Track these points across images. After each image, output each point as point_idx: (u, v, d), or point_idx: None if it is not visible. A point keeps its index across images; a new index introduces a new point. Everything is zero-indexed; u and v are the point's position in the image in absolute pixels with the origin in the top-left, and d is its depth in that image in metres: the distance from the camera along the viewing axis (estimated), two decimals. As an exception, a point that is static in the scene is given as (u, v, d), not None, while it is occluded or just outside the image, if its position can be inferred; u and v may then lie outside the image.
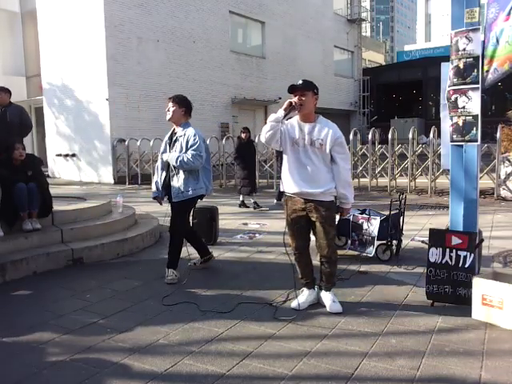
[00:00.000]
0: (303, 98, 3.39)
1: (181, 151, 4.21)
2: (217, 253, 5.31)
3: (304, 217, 3.50)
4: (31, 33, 17.75)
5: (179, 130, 4.35)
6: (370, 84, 27.63)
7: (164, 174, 4.39)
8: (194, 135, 4.24)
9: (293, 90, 3.44)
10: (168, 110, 4.31)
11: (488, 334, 3.06)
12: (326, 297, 3.59)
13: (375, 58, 38.35)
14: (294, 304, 3.58)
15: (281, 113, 3.38)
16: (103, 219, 5.78)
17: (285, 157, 3.54)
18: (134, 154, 14.18)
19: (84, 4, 14.81)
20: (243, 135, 8.71)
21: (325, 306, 3.54)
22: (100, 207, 5.99)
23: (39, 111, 17.66)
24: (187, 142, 4.22)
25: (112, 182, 14.70)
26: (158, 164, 4.49)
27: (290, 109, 3.38)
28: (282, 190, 3.64)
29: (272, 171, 12.41)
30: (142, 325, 3.30)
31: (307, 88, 3.43)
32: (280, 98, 20.77)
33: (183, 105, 4.36)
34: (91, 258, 5.02)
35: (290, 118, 3.49)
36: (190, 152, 4.15)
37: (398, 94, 30.97)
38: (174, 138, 4.34)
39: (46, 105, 16.55)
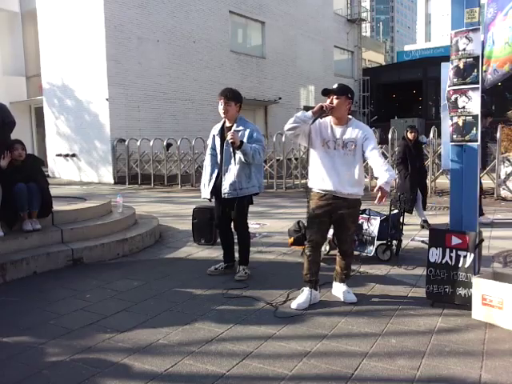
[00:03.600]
0: (336, 102, 3.42)
1: None
2: (217, 253, 5.31)
3: (328, 212, 3.54)
4: (31, 33, 17.77)
5: (235, 126, 4.22)
6: (370, 84, 27.63)
7: (216, 171, 4.30)
8: (258, 130, 4.22)
9: (327, 93, 3.47)
10: (223, 107, 4.18)
11: (488, 333, 3.06)
12: (341, 288, 3.68)
13: (375, 58, 38.32)
14: (294, 304, 3.57)
15: (309, 114, 3.41)
16: (103, 219, 5.78)
17: (314, 154, 3.59)
18: (134, 154, 14.18)
19: (84, 4, 14.82)
20: (410, 135, 6.73)
21: (324, 306, 3.55)
22: (100, 207, 5.99)
23: (39, 111, 17.68)
24: (251, 135, 4.14)
25: (112, 182, 14.71)
26: (207, 162, 4.40)
27: (321, 112, 3.41)
28: (309, 185, 3.66)
29: (272, 171, 12.42)
30: (142, 325, 3.30)
31: (341, 92, 3.46)
32: (280, 98, 20.80)
33: (238, 100, 4.24)
34: (91, 258, 5.02)
35: (321, 118, 3.52)
36: (256, 145, 4.09)
37: (398, 93, 30.95)
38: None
39: (45, 105, 16.56)
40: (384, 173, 3.26)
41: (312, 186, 3.63)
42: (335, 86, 3.51)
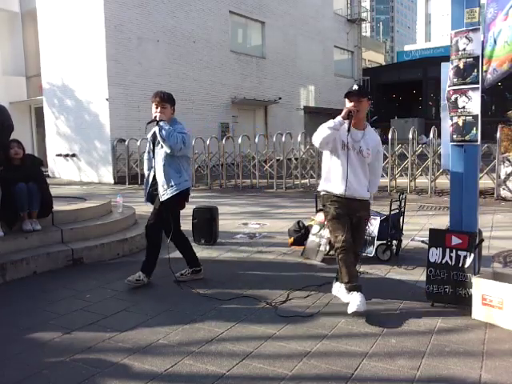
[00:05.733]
0: (360, 104, 3.41)
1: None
2: (217, 253, 5.32)
3: (348, 215, 3.51)
4: (31, 33, 17.75)
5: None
6: (370, 84, 27.63)
7: (152, 174, 4.20)
8: (183, 129, 4.08)
9: (350, 95, 3.43)
10: (159, 110, 4.04)
11: (488, 333, 3.06)
12: (343, 289, 3.58)
13: (375, 58, 38.33)
14: (352, 308, 3.30)
15: (340, 120, 3.38)
16: (103, 219, 5.78)
17: (331, 157, 3.55)
18: (134, 154, 14.18)
19: (84, 4, 14.81)
20: None
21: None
22: (100, 207, 5.99)
23: (39, 111, 17.66)
24: (174, 129, 4.03)
25: (112, 182, 14.71)
26: (144, 167, 4.35)
27: (349, 116, 3.38)
28: (325, 189, 3.59)
29: (272, 171, 12.42)
30: (142, 325, 3.30)
31: (364, 94, 3.46)
32: (280, 98, 20.80)
33: (172, 102, 4.16)
34: (91, 257, 5.02)
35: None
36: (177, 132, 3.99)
37: (398, 93, 30.96)
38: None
39: (45, 105, 16.56)
40: (374, 186, 3.72)
41: (330, 190, 3.54)
42: (355, 87, 3.47)
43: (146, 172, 4.34)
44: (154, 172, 4.18)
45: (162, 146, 4.05)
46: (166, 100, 4.08)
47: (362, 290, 3.41)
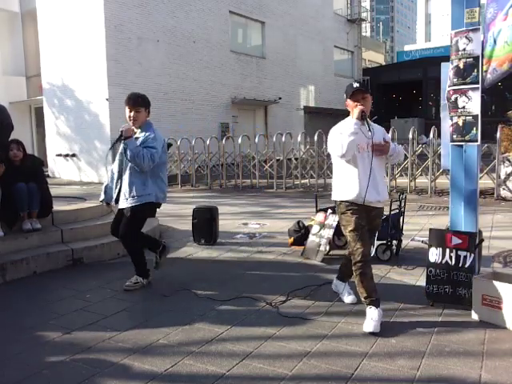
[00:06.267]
0: (365, 101, 3.22)
1: None
2: (217, 253, 5.32)
3: (367, 223, 3.28)
4: (31, 33, 17.75)
5: (139, 132, 3.95)
6: (370, 84, 27.60)
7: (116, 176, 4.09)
8: (157, 139, 3.88)
9: (355, 94, 3.20)
10: (131, 116, 3.87)
11: (488, 333, 3.06)
12: (347, 288, 3.55)
13: (375, 58, 38.34)
14: (369, 328, 3.08)
15: (356, 122, 3.15)
16: (103, 219, 5.77)
17: (343, 164, 3.27)
18: (134, 154, 14.17)
19: (84, 4, 14.82)
20: None
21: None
22: (100, 207, 5.97)
23: (39, 111, 17.67)
24: (144, 141, 3.84)
25: (112, 182, 14.70)
26: (115, 168, 4.18)
27: (363, 116, 3.16)
28: (345, 199, 3.27)
29: (272, 171, 12.42)
30: (142, 325, 3.30)
31: (367, 90, 3.28)
32: (280, 98, 20.80)
33: (147, 105, 3.94)
34: (91, 257, 5.02)
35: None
36: (145, 150, 3.77)
37: (398, 93, 30.96)
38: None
39: (45, 105, 16.56)
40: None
41: (350, 199, 3.23)
42: (356, 85, 3.22)
43: (115, 173, 4.12)
44: (122, 175, 4.01)
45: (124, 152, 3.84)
46: (139, 103, 3.89)
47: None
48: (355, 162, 3.23)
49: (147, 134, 3.90)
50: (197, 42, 17.38)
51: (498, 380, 2.50)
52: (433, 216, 7.33)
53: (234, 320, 3.34)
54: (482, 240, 3.64)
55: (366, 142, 3.22)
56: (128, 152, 3.73)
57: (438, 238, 3.60)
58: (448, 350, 2.84)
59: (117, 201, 4.10)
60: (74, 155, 15.87)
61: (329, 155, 10.32)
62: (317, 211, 5.33)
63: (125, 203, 3.94)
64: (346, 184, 3.28)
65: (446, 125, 3.64)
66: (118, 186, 4.08)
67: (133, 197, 3.89)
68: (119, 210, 4.07)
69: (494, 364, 2.67)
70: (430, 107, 28.14)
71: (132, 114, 3.88)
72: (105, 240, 5.25)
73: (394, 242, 4.96)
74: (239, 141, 12.43)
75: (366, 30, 35.93)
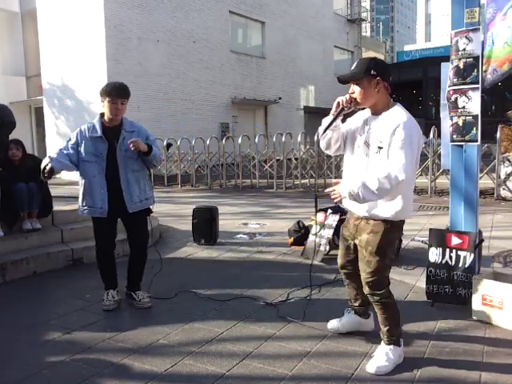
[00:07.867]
0: (356, 89, 2.55)
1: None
2: (217, 253, 5.32)
3: None
4: (31, 33, 17.76)
5: (125, 127, 3.51)
6: (370, 84, 27.61)
7: (105, 182, 3.46)
8: (146, 131, 3.64)
9: (343, 81, 2.60)
10: (118, 108, 3.40)
11: (488, 334, 3.06)
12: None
13: (375, 58, 38.30)
14: (372, 369, 2.62)
15: (329, 118, 2.64)
16: (103, 219, 5.77)
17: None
18: (134, 154, 14.17)
19: (84, 4, 14.83)
20: None
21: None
22: (100, 207, 5.99)
23: (39, 111, 17.67)
24: (147, 137, 3.55)
25: (112, 182, 14.69)
26: (94, 172, 3.46)
27: (339, 111, 2.60)
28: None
29: (272, 171, 12.42)
30: (142, 325, 3.30)
31: (357, 75, 2.52)
32: (280, 98, 20.81)
33: (129, 96, 3.50)
34: (91, 257, 4.99)
35: (342, 121, 2.72)
36: (155, 148, 3.51)
37: (398, 94, 30.92)
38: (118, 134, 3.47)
39: (45, 105, 16.57)
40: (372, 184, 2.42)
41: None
42: (354, 65, 2.61)
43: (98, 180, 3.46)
44: (108, 178, 3.47)
45: (126, 150, 3.44)
46: (128, 94, 3.45)
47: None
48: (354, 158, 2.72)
49: (140, 129, 3.59)
50: (197, 41, 17.39)
51: (497, 380, 2.50)
52: (433, 216, 7.32)
53: (233, 320, 3.34)
54: (481, 240, 3.64)
55: (359, 135, 2.70)
56: (154, 161, 3.54)
57: (438, 238, 3.60)
58: (448, 350, 2.84)
59: (109, 211, 3.49)
60: (73, 155, 15.85)
61: (329, 155, 10.31)
62: (317, 211, 5.32)
63: (138, 205, 3.54)
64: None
65: (446, 125, 3.64)
66: (107, 195, 3.47)
67: (146, 199, 3.61)
68: (118, 219, 3.64)
69: (494, 364, 2.67)
70: (430, 107, 28.15)
71: (119, 106, 3.39)
72: (105, 240, 5.24)
73: (394, 242, 4.95)
74: (239, 141, 12.43)
75: (365, 30, 35.98)
